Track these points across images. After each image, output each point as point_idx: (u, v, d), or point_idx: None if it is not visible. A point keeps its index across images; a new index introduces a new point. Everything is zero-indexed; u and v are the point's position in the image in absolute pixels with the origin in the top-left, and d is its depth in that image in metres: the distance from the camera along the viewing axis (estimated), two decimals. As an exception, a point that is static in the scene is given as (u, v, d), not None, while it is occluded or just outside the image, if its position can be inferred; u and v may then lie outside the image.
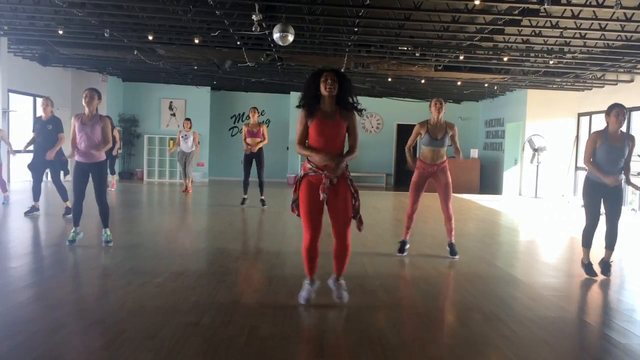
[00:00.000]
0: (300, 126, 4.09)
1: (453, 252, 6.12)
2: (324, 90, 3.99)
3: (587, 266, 5.56)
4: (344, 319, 3.90)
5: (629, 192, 11.51)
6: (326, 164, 3.95)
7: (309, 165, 4.06)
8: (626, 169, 5.42)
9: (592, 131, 13.55)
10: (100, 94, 6.04)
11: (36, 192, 8.16)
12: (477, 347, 3.53)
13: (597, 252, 5.73)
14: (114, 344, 3.26)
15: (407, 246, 6.23)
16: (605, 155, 5.32)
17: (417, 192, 6.03)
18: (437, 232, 5.72)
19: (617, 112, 5.26)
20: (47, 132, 7.93)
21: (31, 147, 8.34)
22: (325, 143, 4.00)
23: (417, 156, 6.21)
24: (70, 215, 7.92)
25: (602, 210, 5.54)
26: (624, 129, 5.44)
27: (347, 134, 4.13)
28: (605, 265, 5.54)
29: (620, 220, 5.46)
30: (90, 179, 6.08)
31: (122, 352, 3.15)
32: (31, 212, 8.13)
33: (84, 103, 5.90)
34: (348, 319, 3.92)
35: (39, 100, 8.49)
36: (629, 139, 5.37)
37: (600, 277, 5.50)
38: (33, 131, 8.19)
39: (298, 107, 4.17)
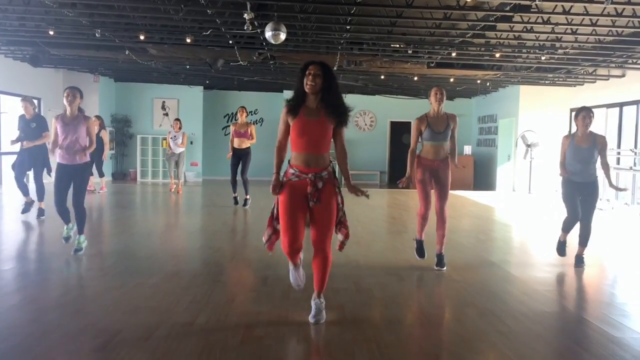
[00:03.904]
0: (281, 125, 3.75)
1: (441, 264, 5.51)
2: (305, 86, 3.64)
3: (561, 244, 6.04)
4: (339, 317, 3.90)
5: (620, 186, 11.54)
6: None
7: (291, 170, 3.69)
8: (604, 169, 5.69)
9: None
10: (82, 92, 5.81)
11: (23, 188, 8.00)
12: (472, 343, 3.54)
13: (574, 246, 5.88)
14: (108, 346, 3.24)
15: (425, 255, 5.68)
16: (572, 156, 5.70)
17: (425, 189, 5.45)
18: (432, 229, 5.70)
19: (584, 115, 5.64)
20: (30, 130, 7.84)
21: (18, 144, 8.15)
22: (307, 143, 3.62)
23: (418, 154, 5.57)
24: (44, 217, 7.92)
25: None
26: (596, 130, 5.80)
27: (333, 137, 3.73)
28: (579, 258, 5.82)
29: (593, 216, 5.78)
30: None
31: (117, 353, 3.14)
32: (28, 210, 8.05)
33: (65, 102, 5.64)
34: (343, 316, 3.92)
35: (18, 101, 8.25)
36: (596, 139, 5.65)
37: (573, 264, 5.81)
38: (18, 129, 8.03)
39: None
